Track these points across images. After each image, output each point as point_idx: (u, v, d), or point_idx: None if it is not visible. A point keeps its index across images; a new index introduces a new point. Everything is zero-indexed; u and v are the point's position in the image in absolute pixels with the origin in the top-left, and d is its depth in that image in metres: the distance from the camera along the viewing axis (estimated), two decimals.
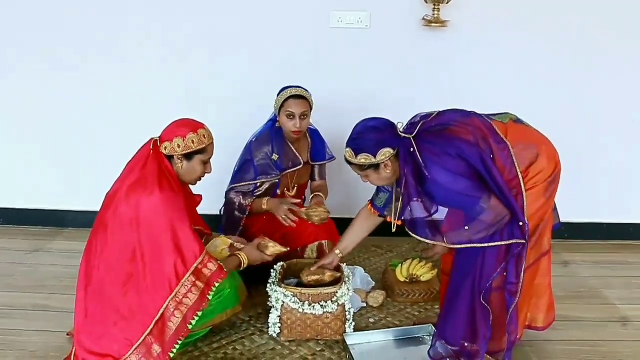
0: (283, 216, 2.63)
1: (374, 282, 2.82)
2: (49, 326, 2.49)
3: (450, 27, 3.21)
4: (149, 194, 2.04)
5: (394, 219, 2.20)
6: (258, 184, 2.71)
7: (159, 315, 2.04)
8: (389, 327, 2.50)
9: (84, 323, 2.10)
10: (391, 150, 2.06)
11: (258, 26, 3.29)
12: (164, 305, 2.04)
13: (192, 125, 2.17)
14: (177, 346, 2.08)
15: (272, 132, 2.73)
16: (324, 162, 2.92)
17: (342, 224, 2.91)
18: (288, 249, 2.46)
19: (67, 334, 2.39)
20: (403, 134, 2.07)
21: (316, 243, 2.72)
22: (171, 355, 2.08)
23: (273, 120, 2.76)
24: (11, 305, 2.67)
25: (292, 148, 2.76)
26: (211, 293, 2.10)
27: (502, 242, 2.03)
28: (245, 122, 2.94)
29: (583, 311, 2.72)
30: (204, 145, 2.16)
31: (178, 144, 2.12)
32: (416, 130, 2.06)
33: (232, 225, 2.71)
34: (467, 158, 1.98)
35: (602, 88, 3.36)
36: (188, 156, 2.16)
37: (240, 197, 2.70)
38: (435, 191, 2.00)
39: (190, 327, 2.09)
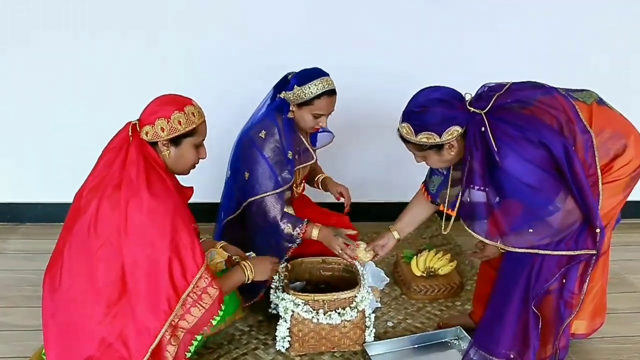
0: (340, 251, 2.21)
1: (388, 279, 2.52)
2: (13, 351, 2.08)
3: None
4: (136, 198, 1.64)
5: (447, 209, 1.89)
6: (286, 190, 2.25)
7: (156, 342, 1.67)
8: (411, 332, 2.26)
9: None
10: (459, 129, 1.73)
11: None
12: (162, 331, 1.67)
13: (177, 102, 1.75)
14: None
15: (276, 123, 2.23)
16: (327, 144, 2.50)
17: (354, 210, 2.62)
18: None
19: None
20: (473, 110, 1.73)
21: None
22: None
23: (277, 108, 2.26)
24: None
25: (304, 141, 2.32)
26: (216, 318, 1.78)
27: (569, 253, 1.76)
28: (234, 96, 2.65)
29: (612, 302, 2.49)
30: (194, 126, 1.75)
31: (162, 127, 1.71)
32: (489, 106, 1.72)
33: (276, 252, 2.23)
34: (550, 148, 1.67)
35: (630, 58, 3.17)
36: (175, 141, 1.75)
37: (289, 225, 2.21)
38: (506, 182, 1.70)
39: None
